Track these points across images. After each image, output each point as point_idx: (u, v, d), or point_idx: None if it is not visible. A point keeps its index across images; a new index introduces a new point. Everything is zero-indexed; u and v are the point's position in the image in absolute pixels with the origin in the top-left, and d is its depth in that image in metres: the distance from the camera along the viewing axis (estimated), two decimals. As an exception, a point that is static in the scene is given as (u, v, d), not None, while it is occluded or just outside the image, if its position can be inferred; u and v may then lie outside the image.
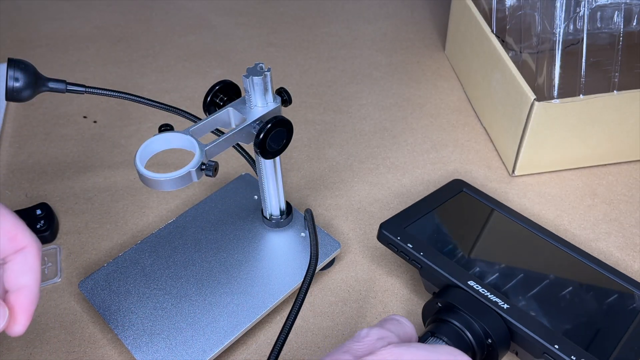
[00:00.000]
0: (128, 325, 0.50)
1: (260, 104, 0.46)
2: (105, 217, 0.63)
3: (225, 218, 0.58)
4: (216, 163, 0.42)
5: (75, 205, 0.64)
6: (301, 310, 0.54)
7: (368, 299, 0.55)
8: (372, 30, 0.93)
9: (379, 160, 0.70)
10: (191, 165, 0.41)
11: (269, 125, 0.44)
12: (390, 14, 0.96)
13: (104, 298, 0.52)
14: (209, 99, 0.47)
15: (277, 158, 0.51)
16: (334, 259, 0.57)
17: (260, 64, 0.45)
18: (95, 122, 0.75)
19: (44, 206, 0.62)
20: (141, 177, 0.41)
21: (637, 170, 0.67)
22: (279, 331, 0.52)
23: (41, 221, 0.60)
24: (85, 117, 0.76)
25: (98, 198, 0.65)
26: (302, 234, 0.57)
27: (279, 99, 0.47)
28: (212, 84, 0.48)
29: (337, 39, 0.91)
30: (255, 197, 0.61)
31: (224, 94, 0.48)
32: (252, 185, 0.62)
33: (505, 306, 0.45)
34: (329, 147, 0.72)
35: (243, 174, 0.64)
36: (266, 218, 0.57)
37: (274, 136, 0.45)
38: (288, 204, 0.57)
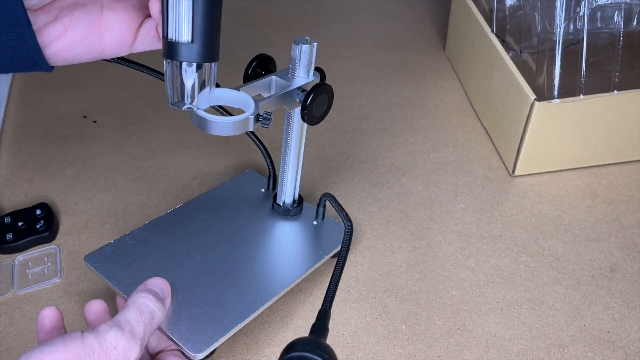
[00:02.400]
0: None
1: (303, 75, 0.48)
2: (105, 217, 0.63)
3: (235, 206, 0.59)
4: (272, 114, 0.44)
5: (75, 205, 0.64)
6: (301, 310, 0.54)
7: (368, 298, 0.55)
8: (372, 30, 0.93)
9: (379, 160, 0.70)
10: (250, 112, 0.42)
11: (316, 89, 0.47)
12: (390, 14, 0.96)
13: (114, 271, 0.50)
14: (249, 71, 0.49)
15: (303, 143, 0.53)
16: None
17: (306, 38, 0.48)
18: (95, 122, 0.75)
19: (44, 206, 0.62)
20: (200, 119, 0.41)
21: (638, 170, 0.67)
22: (279, 331, 0.52)
23: (41, 221, 0.60)
24: (85, 117, 0.76)
25: (98, 198, 0.65)
26: (315, 222, 0.57)
27: (317, 74, 0.49)
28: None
29: (337, 39, 0.91)
30: (262, 190, 0.61)
31: (262, 67, 0.49)
32: (257, 180, 0.62)
33: None
34: (329, 147, 0.72)
35: (247, 170, 0.64)
36: (278, 205, 0.57)
37: (319, 101, 0.48)
38: (300, 196, 0.58)
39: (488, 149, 0.71)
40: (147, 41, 0.43)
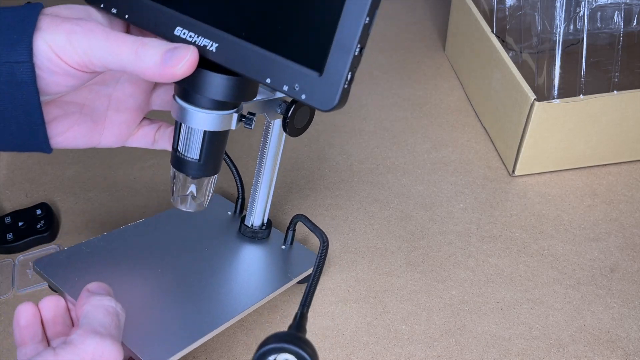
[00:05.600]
0: None
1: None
2: (105, 217, 0.63)
3: (201, 225, 0.57)
4: (255, 116, 0.43)
5: (75, 205, 0.64)
6: (301, 310, 0.54)
7: (368, 298, 0.55)
8: (373, 30, 0.93)
9: (379, 160, 0.70)
10: (234, 110, 0.41)
11: (297, 102, 0.46)
12: (390, 14, 0.96)
13: (66, 276, 0.46)
14: None
15: (278, 160, 0.51)
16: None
17: None
18: (95, 122, 0.75)
19: (44, 206, 0.62)
20: (181, 110, 0.40)
21: (637, 170, 0.67)
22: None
23: (41, 221, 0.60)
24: (85, 117, 0.76)
25: (98, 198, 0.65)
26: (283, 247, 0.56)
27: None
28: None
29: (337, 39, 0.91)
30: (229, 213, 0.59)
31: None
32: (223, 204, 0.61)
33: (214, 48, 0.37)
34: (329, 147, 0.72)
35: (213, 194, 0.63)
36: (246, 226, 0.56)
37: (301, 113, 0.47)
38: (269, 220, 0.57)
39: (488, 149, 0.71)
40: (142, 142, 0.47)
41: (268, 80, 0.35)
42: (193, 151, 0.41)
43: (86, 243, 0.51)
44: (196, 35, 0.37)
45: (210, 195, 0.45)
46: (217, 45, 0.36)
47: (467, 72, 0.78)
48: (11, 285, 0.56)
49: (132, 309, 0.45)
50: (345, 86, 0.34)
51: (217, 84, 0.38)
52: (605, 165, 0.68)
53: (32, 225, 0.60)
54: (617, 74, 0.64)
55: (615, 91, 0.61)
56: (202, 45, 0.37)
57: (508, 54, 0.66)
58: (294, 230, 0.56)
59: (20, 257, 0.58)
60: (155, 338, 0.44)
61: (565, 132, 0.63)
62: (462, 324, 0.53)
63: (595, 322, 0.53)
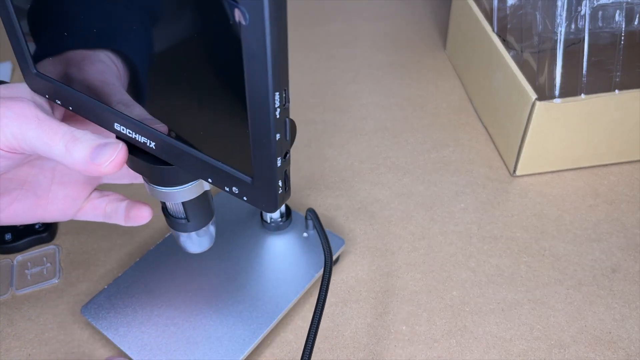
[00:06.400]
0: (141, 346, 0.48)
1: None
2: (104, 217, 0.63)
3: (224, 226, 0.57)
4: None
5: (74, 205, 0.64)
6: (301, 311, 0.54)
7: (368, 299, 0.55)
8: (373, 29, 0.93)
9: (380, 160, 0.70)
10: None
11: None
12: (390, 13, 0.96)
13: (110, 321, 0.50)
14: None
15: None
16: (338, 256, 0.56)
17: None
18: (94, 121, 0.75)
19: (43, 206, 0.62)
20: (154, 191, 0.41)
21: (639, 170, 0.67)
22: (279, 332, 0.52)
23: (40, 221, 0.60)
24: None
25: (97, 198, 0.65)
26: (305, 234, 0.56)
27: None
28: None
29: (338, 39, 0.90)
30: None
31: None
32: None
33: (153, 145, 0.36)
34: (329, 147, 0.71)
35: None
36: (266, 222, 0.56)
37: None
38: (287, 207, 0.57)
39: (489, 148, 0.71)
40: (91, 215, 0.46)
41: (210, 180, 0.35)
42: (180, 214, 0.42)
43: (123, 277, 0.53)
44: (133, 132, 0.37)
45: (214, 232, 0.46)
46: (154, 143, 0.36)
47: (468, 72, 0.78)
48: (10, 286, 0.56)
49: (178, 335, 0.49)
50: (280, 191, 0.33)
51: (171, 174, 0.38)
52: (607, 165, 0.68)
53: (30, 225, 0.59)
54: (618, 73, 0.63)
55: (617, 90, 0.61)
56: (142, 141, 0.36)
57: (509, 53, 0.66)
58: (312, 218, 0.56)
59: (19, 257, 0.58)
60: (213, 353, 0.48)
61: (566, 131, 0.63)
62: (463, 324, 0.53)
63: (596, 323, 0.53)
